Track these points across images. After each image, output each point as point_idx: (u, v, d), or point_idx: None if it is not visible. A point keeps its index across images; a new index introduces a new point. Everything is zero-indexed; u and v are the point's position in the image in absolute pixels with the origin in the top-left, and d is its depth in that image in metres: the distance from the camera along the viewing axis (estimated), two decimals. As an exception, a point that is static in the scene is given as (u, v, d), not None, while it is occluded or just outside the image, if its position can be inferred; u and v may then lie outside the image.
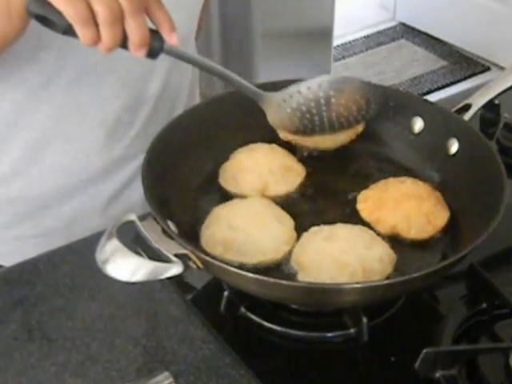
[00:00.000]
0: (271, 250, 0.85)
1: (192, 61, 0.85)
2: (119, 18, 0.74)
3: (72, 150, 1.05)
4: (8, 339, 0.85)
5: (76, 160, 1.06)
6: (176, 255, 0.75)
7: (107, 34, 0.74)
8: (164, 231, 0.78)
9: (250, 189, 0.95)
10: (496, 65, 3.35)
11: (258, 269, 0.83)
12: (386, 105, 1.01)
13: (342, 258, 0.82)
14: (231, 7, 2.40)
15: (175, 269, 0.74)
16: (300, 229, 0.89)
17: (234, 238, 0.85)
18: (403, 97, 1.03)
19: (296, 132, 0.94)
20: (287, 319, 0.85)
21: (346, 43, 3.64)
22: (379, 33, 3.76)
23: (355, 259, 0.82)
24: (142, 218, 0.79)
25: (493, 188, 0.84)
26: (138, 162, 1.10)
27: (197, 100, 1.23)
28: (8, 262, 1.09)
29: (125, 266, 0.73)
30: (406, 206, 0.89)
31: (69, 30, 0.74)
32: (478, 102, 1.00)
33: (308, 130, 0.93)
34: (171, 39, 0.79)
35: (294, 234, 0.88)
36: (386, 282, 0.75)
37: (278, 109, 0.92)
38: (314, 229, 0.88)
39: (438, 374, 0.76)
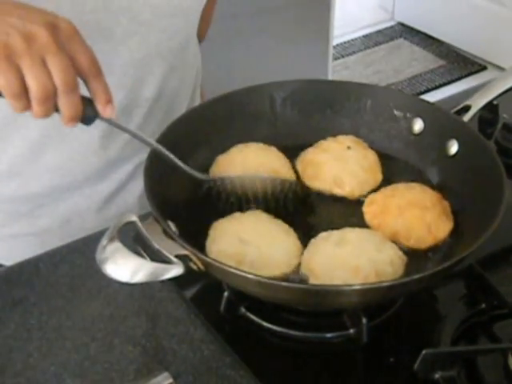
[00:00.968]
0: (284, 263, 0.85)
1: (128, 132, 0.86)
2: (51, 96, 0.73)
3: (68, 150, 1.05)
4: (7, 339, 0.85)
5: (72, 160, 1.06)
6: (177, 256, 0.75)
7: (38, 109, 0.74)
8: (165, 232, 0.78)
9: None
10: (493, 64, 3.36)
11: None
12: (386, 106, 1.02)
13: (354, 262, 0.82)
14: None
15: (176, 270, 0.74)
16: (305, 236, 0.89)
17: (247, 253, 0.84)
18: (403, 98, 1.03)
19: None
20: (287, 320, 0.85)
21: (345, 42, 3.65)
22: (378, 32, 3.76)
23: (367, 263, 0.81)
24: (142, 218, 0.79)
25: (492, 189, 0.84)
26: (133, 162, 1.10)
27: (198, 102, 1.23)
28: (2, 259, 1.09)
29: (125, 266, 0.73)
30: (408, 214, 0.89)
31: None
32: (478, 103, 1.00)
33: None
34: (105, 112, 0.78)
35: (301, 246, 0.88)
36: (387, 283, 0.75)
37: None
38: (322, 234, 0.87)
39: (437, 375, 0.76)
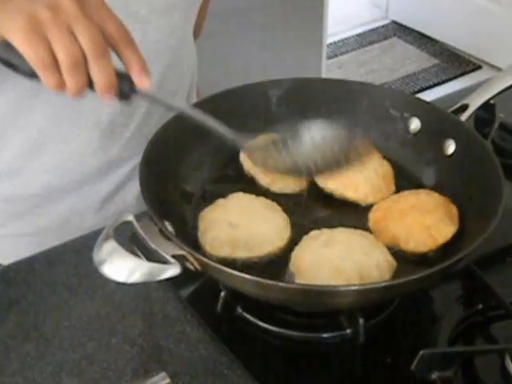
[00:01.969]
0: (277, 238, 0.87)
1: (166, 106, 0.82)
2: (81, 64, 0.70)
3: (67, 150, 1.05)
4: (4, 338, 0.84)
5: (71, 160, 1.06)
6: (173, 256, 0.75)
7: (70, 80, 0.71)
8: (161, 232, 0.78)
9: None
10: (487, 63, 3.36)
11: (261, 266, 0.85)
12: (382, 105, 1.02)
13: (338, 264, 0.82)
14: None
15: (172, 270, 0.74)
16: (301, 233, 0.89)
17: (239, 236, 0.86)
18: (399, 97, 1.03)
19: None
20: (284, 319, 0.85)
21: (338, 41, 3.65)
22: (372, 31, 3.76)
23: (352, 266, 0.81)
24: (139, 218, 0.79)
25: (490, 189, 0.84)
26: (132, 163, 1.10)
27: (194, 100, 1.23)
28: (1, 259, 1.09)
29: (122, 266, 0.73)
30: (408, 218, 0.89)
31: (34, 75, 0.72)
32: (475, 102, 1.00)
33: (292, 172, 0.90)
34: (141, 82, 0.75)
35: (288, 218, 0.90)
36: (383, 284, 0.75)
37: (259, 154, 0.89)
38: (313, 232, 0.88)
39: (434, 376, 0.76)
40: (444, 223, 0.88)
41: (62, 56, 0.69)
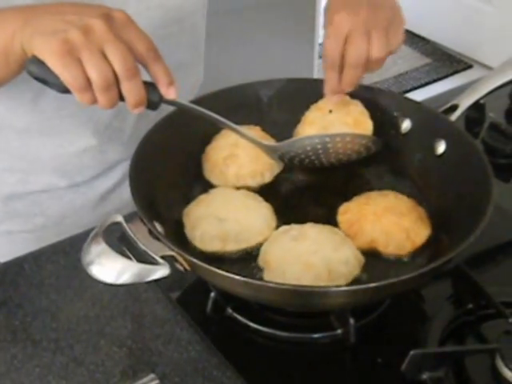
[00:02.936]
0: (265, 227, 0.89)
1: (193, 111, 0.86)
2: (113, 84, 0.74)
3: (66, 154, 1.05)
4: (-9, 341, 0.84)
5: (69, 164, 1.07)
6: (163, 257, 0.74)
7: (102, 99, 0.75)
8: (150, 232, 0.77)
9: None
10: (478, 62, 3.37)
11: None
12: (373, 105, 1.01)
13: (307, 259, 0.82)
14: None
15: (161, 271, 0.73)
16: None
17: (229, 229, 0.87)
18: (390, 97, 1.03)
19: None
20: (274, 320, 0.85)
21: (330, 40, 3.64)
22: (364, 30, 3.76)
23: (321, 261, 0.81)
24: (128, 218, 0.78)
25: (479, 189, 0.84)
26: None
27: None
28: None
29: (110, 268, 0.72)
30: (385, 221, 0.88)
31: (67, 90, 0.75)
32: (465, 102, 1.00)
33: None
34: (168, 93, 0.79)
35: (271, 207, 0.92)
36: (374, 284, 0.74)
37: (279, 156, 0.96)
38: (283, 228, 0.88)
39: (424, 376, 0.76)
40: (419, 226, 0.89)
41: (94, 77, 0.73)
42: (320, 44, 3.14)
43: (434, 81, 3.31)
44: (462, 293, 0.86)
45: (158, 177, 0.90)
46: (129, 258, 0.75)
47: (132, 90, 0.75)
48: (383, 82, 3.29)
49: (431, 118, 0.97)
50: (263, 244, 0.87)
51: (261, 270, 0.84)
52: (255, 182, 0.97)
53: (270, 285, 0.74)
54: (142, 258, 0.75)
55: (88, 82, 0.73)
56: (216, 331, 0.85)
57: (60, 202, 1.11)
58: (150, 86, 0.78)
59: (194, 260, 0.75)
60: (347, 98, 1.01)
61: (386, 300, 0.86)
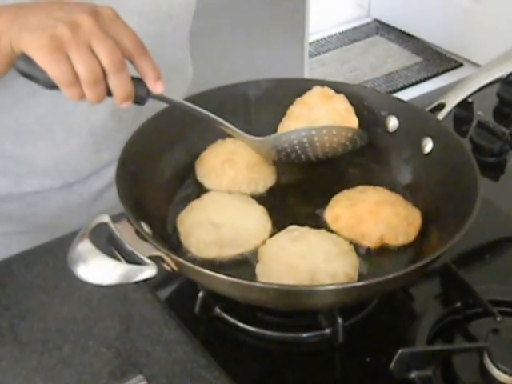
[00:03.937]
0: (261, 231, 0.88)
1: (179, 106, 0.87)
2: (100, 79, 0.75)
3: (60, 154, 1.05)
4: (-22, 342, 0.83)
5: (63, 164, 1.06)
6: (150, 257, 0.74)
7: (90, 93, 0.76)
8: (137, 233, 0.77)
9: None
10: (469, 61, 3.38)
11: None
12: (361, 104, 1.01)
13: (294, 261, 0.82)
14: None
15: (148, 271, 0.73)
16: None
17: (225, 235, 0.87)
18: (377, 96, 1.03)
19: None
20: (262, 320, 0.84)
21: (321, 39, 3.65)
22: (354, 29, 3.77)
23: (306, 267, 0.81)
24: (115, 219, 0.78)
25: (467, 187, 0.84)
26: None
27: None
28: None
29: (97, 268, 0.72)
30: (383, 214, 0.88)
31: (55, 86, 0.76)
32: (452, 101, 1.00)
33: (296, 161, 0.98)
34: (156, 88, 0.80)
35: (265, 209, 0.92)
36: (360, 283, 0.74)
37: (266, 151, 0.97)
38: (290, 227, 0.88)
39: (413, 375, 0.76)
40: (411, 210, 0.90)
41: (82, 72, 0.73)
42: (310, 43, 3.15)
43: (425, 79, 3.33)
44: (450, 291, 0.86)
45: (145, 176, 0.90)
46: (117, 258, 0.74)
47: (119, 84, 0.76)
48: (373, 80, 3.30)
49: (418, 117, 0.97)
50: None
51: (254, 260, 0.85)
52: (249, 190, 0.96)
53: (257, 284, 0.74)
54: (131, 258, 0.75)
55: (76, 77, 0.74)
56: (204, 331, 0.85)
57: (53, 202, 1.11)
58: (138, 81, 0.79)
59: (181, 260, 0.75)
60: (331, 91, 1.01)
61: (374, 299, 0.86)
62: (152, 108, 1.09)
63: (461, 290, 0.85)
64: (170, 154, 0.97)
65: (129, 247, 0.75)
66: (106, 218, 0.78)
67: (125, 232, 0.77)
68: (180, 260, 0.75)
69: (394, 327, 0.86)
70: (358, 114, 1.01)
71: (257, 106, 1.04)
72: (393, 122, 1.00)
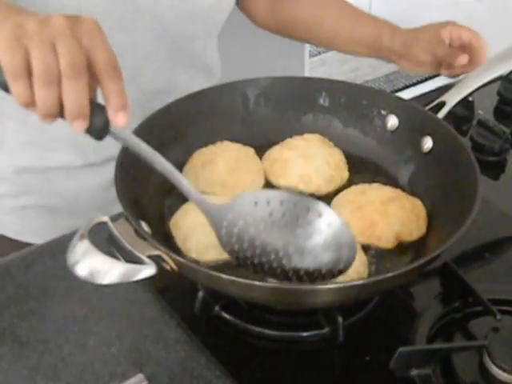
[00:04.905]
0: None
1: (137, 150, 0.76)
2: (54, 79, 0.65)
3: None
4: (-21, 342, 0.83)
5: (86, 142, 1.01)
6: (149, 256, 0.74)
7: (39, 95, 0.65)
8: (136, 232, 0.77)
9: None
10: (470, 60, 3.37)
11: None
12: (361, 103, 1.01)
13: None
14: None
15: (148, 270, 0.73)
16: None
17: None
18: (377, 95, 1.03)
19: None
20: (262, 319, 0.84)
21: (321, 39, 3.64)
22: (355, 29, 3.76)
23: None
24: (114, 218, 0.78)
25: (467, 186, 0.84)
26: None
27: None
28: (16, 234, 1.12)
29: (96, 267, 0.72)
30: (391, 210, 0.88)
31: (8, 88, 0.67)
32: (452, 99, 1.00)
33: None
34: (116, 119, 0.68)
35: None
36: (361, 282, 0.74)
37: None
38: None
39: (412, 373, 0.76)
40: (413, 201, 0.90)
41: (36, 67, 0.65)
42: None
43: (426, 79, 3.32)
44: (449, 290, 0.87)
45: (144, 176, 0.90)
46: (117, 258, 0.74)
47: (72, 93, 0.65)
48: (374, 80, 3.30)
49: (418, 116, 0.97)
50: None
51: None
52: (224, 192, 0.94)
53: (257, 283, 0.74)
54: (130, 258, 0.74)
55: (27, 72, 0.65)
56: (204, 330, 0.85)
57: (74, 181, 1.13)
58: (98, 107, 0.67)
59: (181, 259, 0.75)
60: (331, 143, 1.01)
61: (374, 298, 0.86)
62: (152, 108, 1.10)
63: (460, 289, 0.85)
64: (169, 152, 0.96)
65: (128, 246, 0.75)
66: (104, 218, 0.78)
67: (124, 231, 0.77)
68: (179, 259, 0.75)
69: (394, 326, 0.86)
70: (358, 113, 1.01)
71: (255, 104, 1.04)
72: (393, 121, 1.00)
